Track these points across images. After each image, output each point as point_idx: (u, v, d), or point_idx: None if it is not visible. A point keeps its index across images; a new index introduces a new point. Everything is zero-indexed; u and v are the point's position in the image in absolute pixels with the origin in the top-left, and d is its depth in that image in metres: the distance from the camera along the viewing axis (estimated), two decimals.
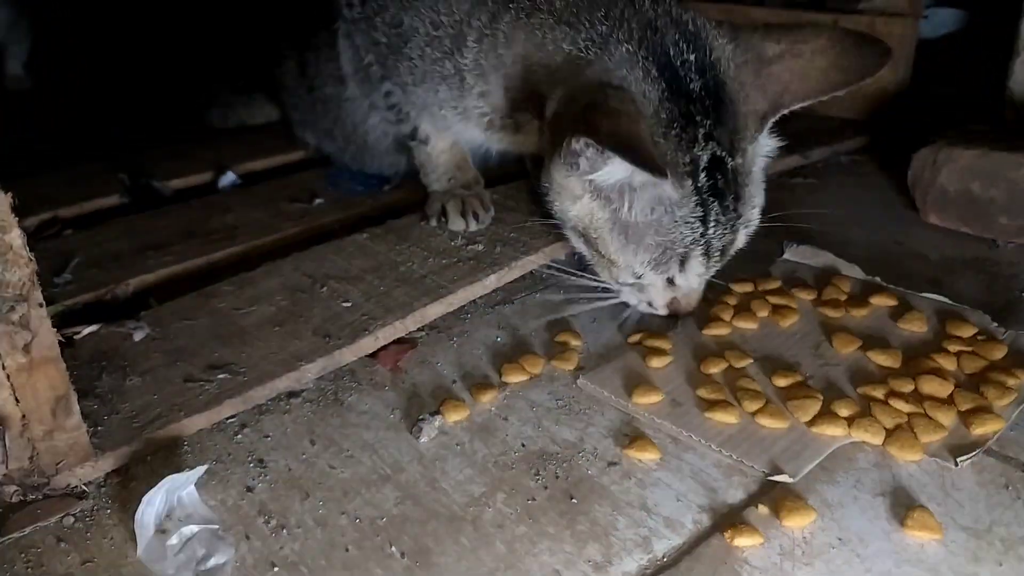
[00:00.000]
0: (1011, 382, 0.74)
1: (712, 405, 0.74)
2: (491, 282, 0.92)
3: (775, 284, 0.93)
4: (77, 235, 1.11)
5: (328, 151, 1.32)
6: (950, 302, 0.89)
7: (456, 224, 1.03)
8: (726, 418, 0.72)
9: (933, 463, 0.67)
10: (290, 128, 1.39)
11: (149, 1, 2.03)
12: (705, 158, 0.76)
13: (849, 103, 1.61)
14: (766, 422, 0.71)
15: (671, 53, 0.78)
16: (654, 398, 0.75)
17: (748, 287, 0.93)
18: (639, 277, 0.82)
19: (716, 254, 0.80)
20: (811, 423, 0.71)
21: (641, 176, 0.74)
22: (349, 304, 0.88)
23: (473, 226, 1.03)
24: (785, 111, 0.79)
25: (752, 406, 0.73)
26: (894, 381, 0.75)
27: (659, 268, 0.79)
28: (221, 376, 0.76)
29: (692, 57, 0.77)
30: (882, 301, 0.89)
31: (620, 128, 0.71)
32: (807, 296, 0.91)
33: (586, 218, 0.81)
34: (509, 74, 0.89)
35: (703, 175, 0.76)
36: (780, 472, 0.66)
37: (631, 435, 0.71)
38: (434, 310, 0.87)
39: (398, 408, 0.77)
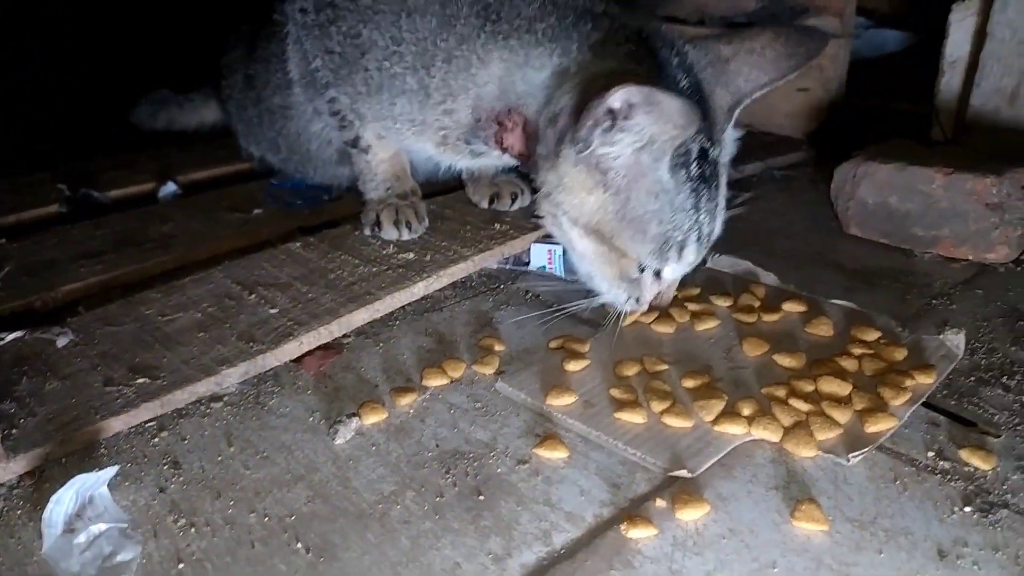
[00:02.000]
0: (907, 383, 0.78)
1: (622, 406, 0.76)
2: (419, 290, 0.94)
3: (695, 291, 0.97)
4: (12, 244, 1.11)
5: (272, 162, 1.33)
6: (857, 308, 0.93)
7: (389, 233, 1.05)
8: (634, 418, 0.75)
9: (828, 459, 0.70)
10: (236, 139, 1.40)
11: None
12: (696, 148, 0.79)
13: (786, 120, 1.67)
14: (672, 421, 0.74)
15: (660, 55, 0.82)
16: (568, 399, 0.78)
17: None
18: (642, 269, 0.84)
19: (705, 241, 0.84)
20: (715, 422, 0.74)
21: (652, 139, 0.75)
22: (276, 310, 0.89)
23: (406, 235, 1.05)
24: (748, 100, 0.85)
25: (660, 406, 0.75)
26: (796, 382, 0.79)
27: (661, 256, 0.82)
28: (141, 380, 0.77)
29: (676, 60, 0.82)
30: (793, 307, 0.93)
31: (643, 78, 0.73)
32: (724, 303, 0.95)
33: (599, 212, 0.82)
34: (481, 94, 0.90)
35: (694, 165, 0.79)
36: (680, 468, 0.68)
37: (543, 435, 0.73)
38: (360, 316, 0.89)
39: (318, 411, 0.78)
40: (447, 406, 0.79)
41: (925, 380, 0.78)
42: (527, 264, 1.07)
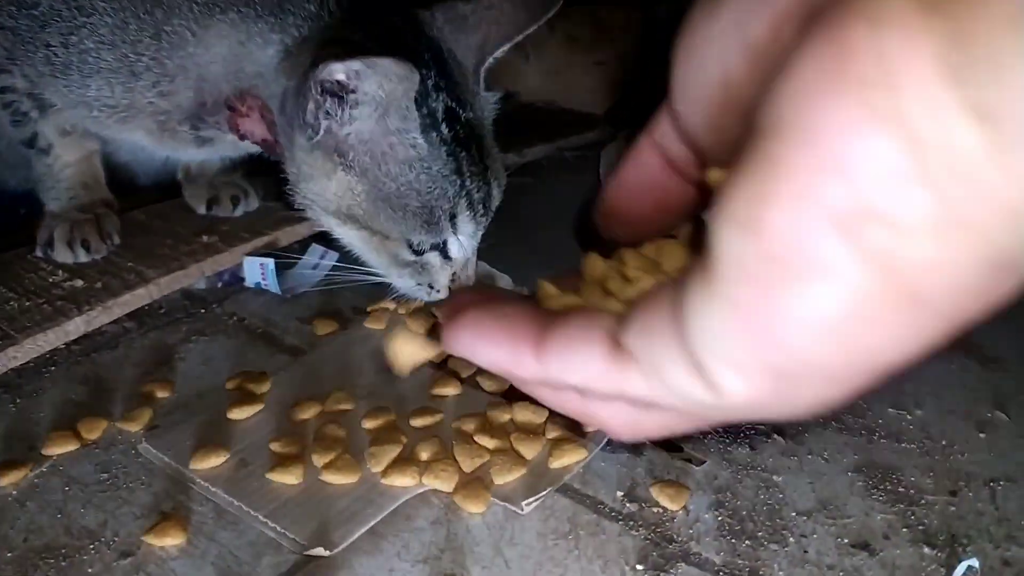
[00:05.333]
0: None
1: (278, 462, 0.63)
2: (75, 327, 0.79)
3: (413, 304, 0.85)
4: None
5: None
6: None
7: (62, 255, 0.88)
8: (287, 478, 0.62)
9: (502, 511, 0.59)
10: None
11: None
12: (440, 108, 0.75)
13: (587, 96, 1.57)
14: (333, 478, 0.62)
15: (385, 21, 0.77)
16: (216, 460, 0.64)
17: (389, 305, 0.85)
18: (418, 249, 0.77)
19: (480, 208, 0.78)
20: (384, 473, 0.62)
21: (388, 107, 0.70)
22: None
23: (83, 257, 0.88)
24: (491, 58, 0.81)
25: (323, 459, 0.63)
26: (492, 411, 0.68)
27: (432, 230, 0.76)
28: None
29: (401, 23, 0.78)
30: None
31: (356, 48, 0.69)
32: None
33: (347, 196, 0.75)
34: (204, 75, 0.79)
35: (444, 126, 0.75)
36: (320, 544, 0.56)
37: (165, 515, 0.60)
38: None
39: None
40: (65, 481, 0.64)
41: None
42: (243, 280, 0.93)
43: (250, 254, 0.92)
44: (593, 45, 1.53)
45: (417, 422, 0.68)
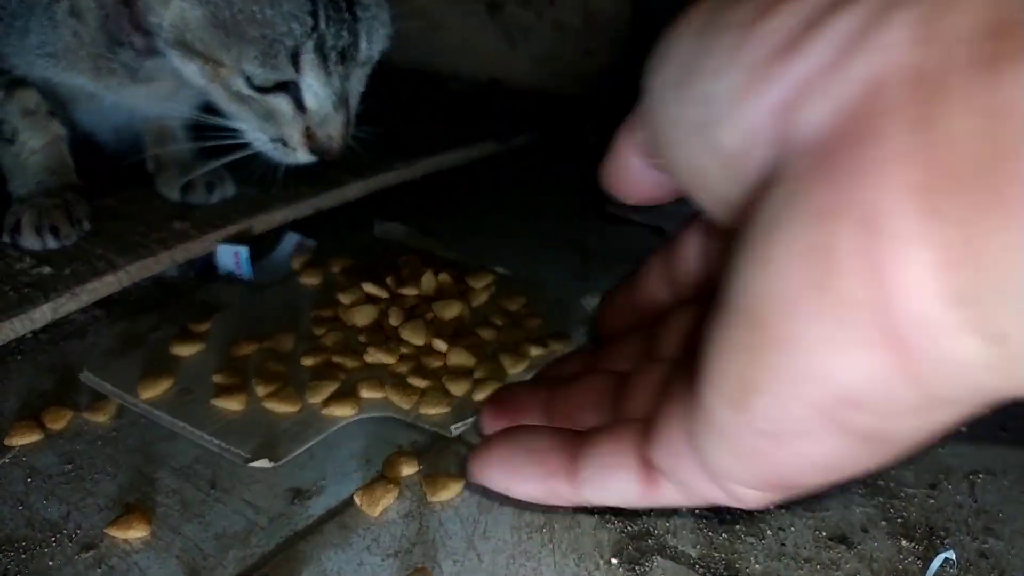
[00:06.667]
0: (533, 351, 0.73)
1: (221, 391, 0.66)
2: (42, 315, 0.76)
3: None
4: None
5: None
6: (508, 273, 0.87)
7: (29, 241, 0.86)
8: (230, 405, 0.64)
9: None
10: None
11: None
12: None
13: (575, 84, 1.56)
14: (274, 406, 0.65)
15: None
16: (161, 388, 0.67)
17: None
18: (252, 81, 0.74)
19: (333, 55, 0.74)
20: (324, 404, 0.66)
21: None
22: None
23: (52, 243, 0.86)
24: None
25: (265, 390, 0.66)
26: (425, 357, 0.72)
27: (268, 64, 0.72)
28: None
29: None
30: (446, 277, 0.84)
31: None
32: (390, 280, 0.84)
33: (180, 24, 0.73)
34: None
35: None
36: (262, 456, 0.59)
37: (129, 507, 0.58)
38: None
39: None
40: (27, 473, 0.62)
41: (557, 347, 0.74)
42: (216, 268, 0.91)
43: (223, 241, 0.90)
44: (583, 34, 1.52)
45: (353, 363, 0.71)
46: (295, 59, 0.73)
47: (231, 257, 0.89)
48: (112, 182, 1.02)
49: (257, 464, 0.59)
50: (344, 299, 0.80)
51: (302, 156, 0.79)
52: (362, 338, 0.75)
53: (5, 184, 0.94)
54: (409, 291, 0.81)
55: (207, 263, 0.91)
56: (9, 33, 0.83)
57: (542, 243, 1.00)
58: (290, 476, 0.60)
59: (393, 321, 0.76)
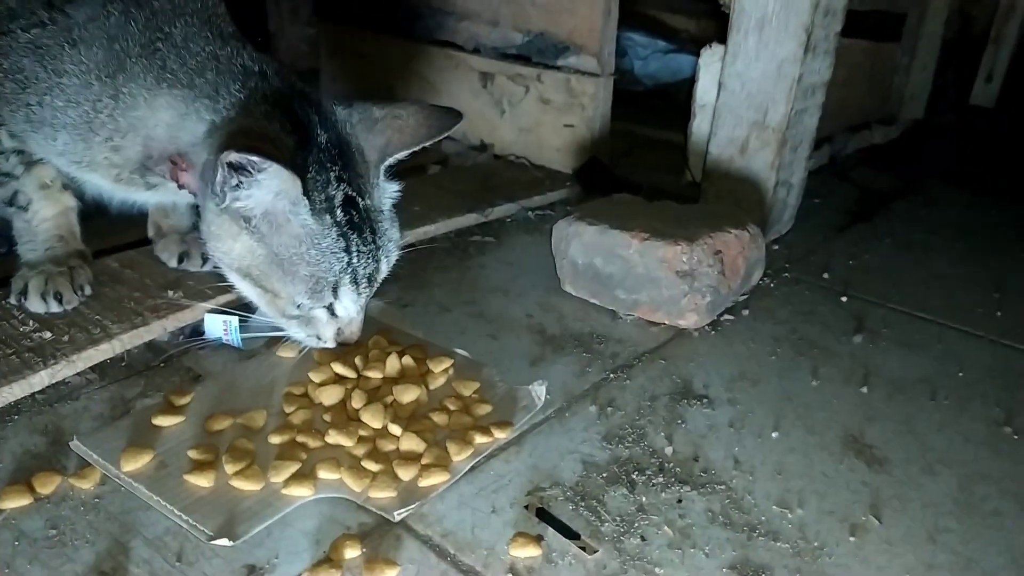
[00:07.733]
0: (478, 439, 0.82)
1: (195, 467, 0.75)
2: (40, 380, 0.85)
3: None
4: None
5: None
6: (469, 356, 0.97)
7: (35, 305, 0.95)
8: (201, 481, 0.74)
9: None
10: None
11: None
12: (339, 196, 0.85)
13: (556, 155, 1.65)
14: (240, 484, 0.74)
15: (299, 113, 0.87)
16: (142, 461, 0.76)
17: None
18: (300, 308, 0.88)
19: (364, 281, 0.89)
20: (285, 484, 0.74)
21: (281, 193, 0.81)
22: None
23: (55, 308, 0.95)
24: (391, 159, 0.92)
25: (233, 468, 0.75)
26: (381, 440, 0.81)
27: (316, 296, 0.87)
28: None
29: (315, 117, 0.88)
30: (409, 360, 0.94)
31: (261, 140, 0.80)
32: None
33: (248, 256, 0.86)
34: (151, 135, 0.89)
35: (339, 211, 0.85)
36: (224, 536, 0.68)
37: (110, 572, 0.66)
38: None
39: None
40: (15, 536, 0.70)
41: (500, 435, 0.83)
42: (204, 335, 0.99)
43: (212, 311, 0.98)
44: (564, 109, 1.61)
45: (315, 443, 0.80)
46: (335, 290, 0.86)
47: (220, 325, 0.97)
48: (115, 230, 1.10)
49: (218, 543, 0.67)
50: (315, 377, 0.90)
51: (330, 344, 0.92)
52: (327, 417, 0.84)
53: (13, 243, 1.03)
54: (374, 374, 0.91)
55: (195, 329, 1.00)
56: (37, 132, 0.92)
57: (499, 326, 1.08)
58: (247, 553, 0.68)
59: (355, 404, 0.85)
